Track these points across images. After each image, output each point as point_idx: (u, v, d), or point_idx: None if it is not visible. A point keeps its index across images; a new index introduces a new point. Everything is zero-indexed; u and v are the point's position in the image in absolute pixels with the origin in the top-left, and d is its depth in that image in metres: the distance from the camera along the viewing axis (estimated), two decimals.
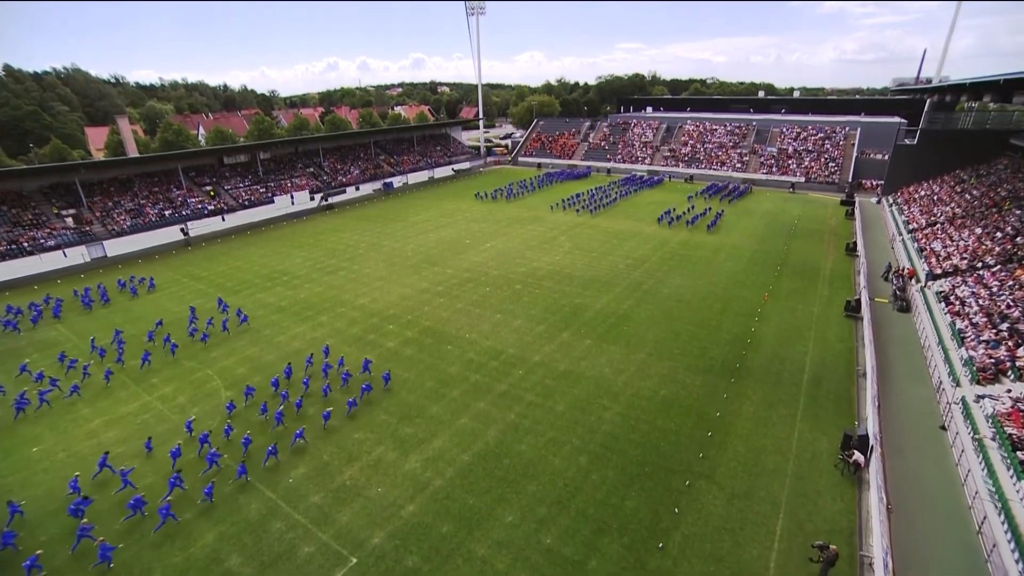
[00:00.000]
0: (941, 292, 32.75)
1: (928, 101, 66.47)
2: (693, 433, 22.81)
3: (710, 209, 61.50)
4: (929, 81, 72.29)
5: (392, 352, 30.03)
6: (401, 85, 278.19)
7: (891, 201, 61.93)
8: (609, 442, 22.23)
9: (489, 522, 18.29)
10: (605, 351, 29.72)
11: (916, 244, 43.60)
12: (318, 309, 36.24)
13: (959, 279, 33.36)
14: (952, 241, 39.99)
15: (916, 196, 57.94)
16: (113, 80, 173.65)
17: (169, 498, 19.09)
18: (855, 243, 47.08)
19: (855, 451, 19.48)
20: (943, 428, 21.92)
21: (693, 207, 63.64)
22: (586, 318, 33.82)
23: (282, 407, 24.12)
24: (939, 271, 36.21)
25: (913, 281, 37.43)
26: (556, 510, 18.80)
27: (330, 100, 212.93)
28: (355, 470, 20.95)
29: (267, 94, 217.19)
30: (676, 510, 18.66)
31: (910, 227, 49.09)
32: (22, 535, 17.91)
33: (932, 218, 47.90)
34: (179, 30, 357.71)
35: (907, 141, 68.27)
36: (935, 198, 53.60)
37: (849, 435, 20.33)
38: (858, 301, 33.82)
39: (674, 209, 60.19)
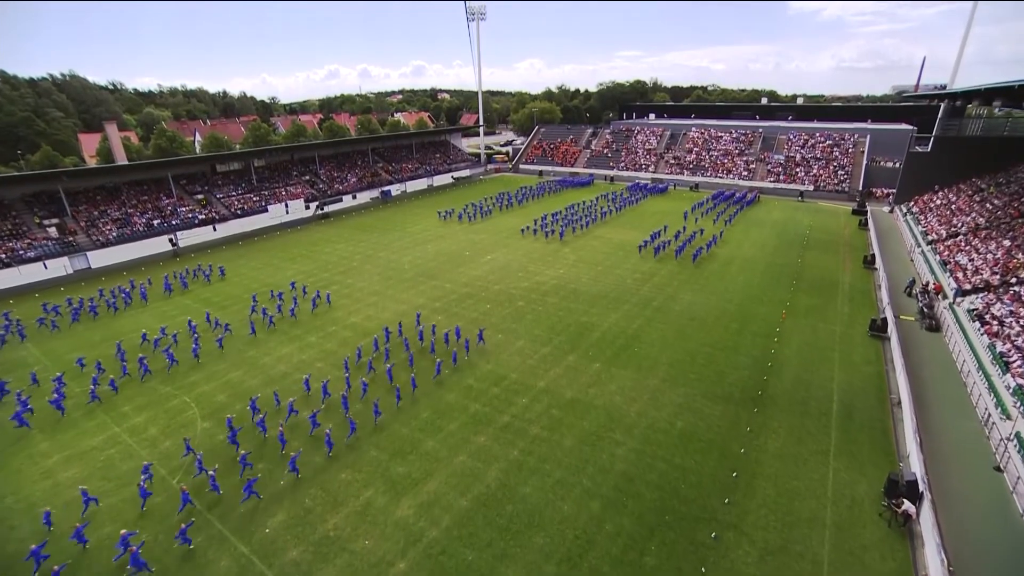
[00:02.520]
0: (974, 310, 30.56)
1: (942, 107, 64.46)
2: (716, 473, 20.55)
3: (703, 231, 53.53)
4: (944, 87, 70.47)
5: (384, 376, 27.76)
6: (402, 92, 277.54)
7: (905, 210, 59.90)
8: (624, 484, 19.96)
9: None
10: (615, 376, 27.48)
11: (938, 256, 41.47)
12: (307, 328, 34.02)
13: (993, 296, 31.18)
14: (979, 254, 37.84)
15: (932, 205, 55.93)
16: (111, 86, 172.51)
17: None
18: (873, 255, 44.96)
19: (904, 500, 17.21)
20: (998, 470, 19.67)
21: (685, 228, 54.95)
22: (593, 338, 31.61)
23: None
24: (968, 286, 34.05)
25: (940, 297, 35.25)
26: (567, 568, 16.52)
27: (330, 107, 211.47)
28: (340, 518, 18.67)
29: (267, 101, 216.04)
30: (703, 569, 16.37)
31: (929, 238, 47.00)
32: None
33: (953, 229, 45.79)
34: (181, 38, 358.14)
35: (919, 148, 66.45)
36: (953, 207, 51.56)
37: (895, 480, 18.07)
38: (884, 320, 31.63)
39: (662, 232, 52.18)
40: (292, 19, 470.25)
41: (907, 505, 17.01)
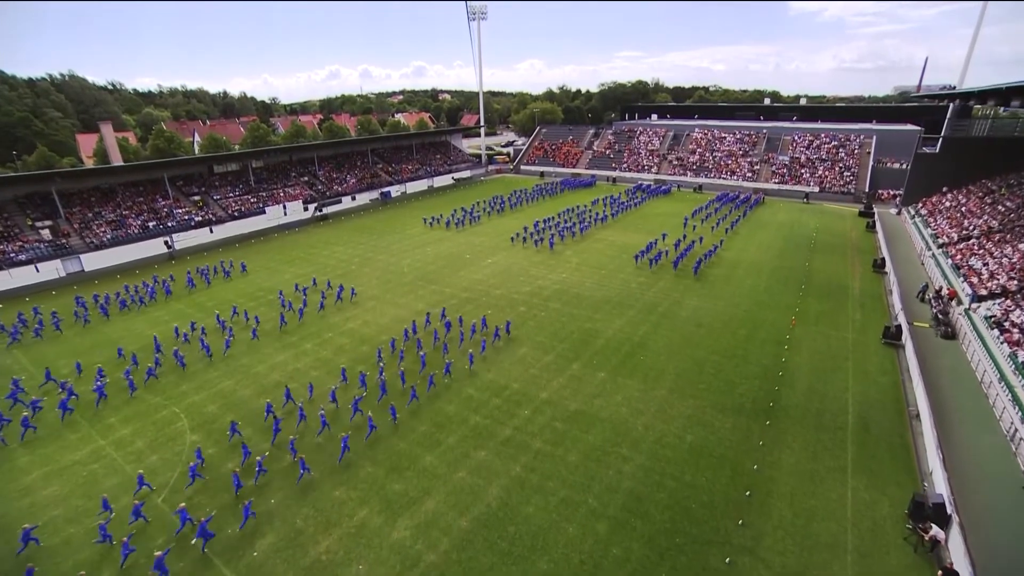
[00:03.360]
0: (992, 317, 29.51)
1: (951, 107, 63.41)
2: (728, 492, 19.52)
3: (702, 239, 50.63)
4: (952, 88, 69.42)
5: (378, 387, 26.74)
6: (402, 92, 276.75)
7: (913, 212, 58.86)
8: (632, 504, 18.94)
9: None
10: (621, 386, 26.47)
11: (950, 260, 40.41)
12: (303, 334, 33.04)
13: (1011, 302, 30.13)
14: (993, 258, 36.80)
15: (941, 207, 54.86)
16: (110, 86, 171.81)
17: None
18: (883, 259, 43.93)
19: (932, 524, 16.19)
20: None
21: (685, 236, 51.64)
22: (598, 346, 30.60)
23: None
24: (984, 292, 32.99)
25: (954, 303, 34.21)
26: None
27: (330, 107, 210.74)
28: (333, 540, 17.67)
29: (267, 101, 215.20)
30: None
31: (940, 241, 45.95)
32: None
33: (964, 232, 44.73)
34: (183, 39, 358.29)
35: (926, 149, 65.40)
36: (963, 210, 50.50)
37: (921, 502, 17.05)
38: (898, 327, 30.61)
39: (660, 240, 49.87)
40: (293, 20, 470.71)
41: (935, 530, 15.99)
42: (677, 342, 31.04)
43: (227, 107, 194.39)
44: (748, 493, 19.37)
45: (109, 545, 17.31)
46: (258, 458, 20.62)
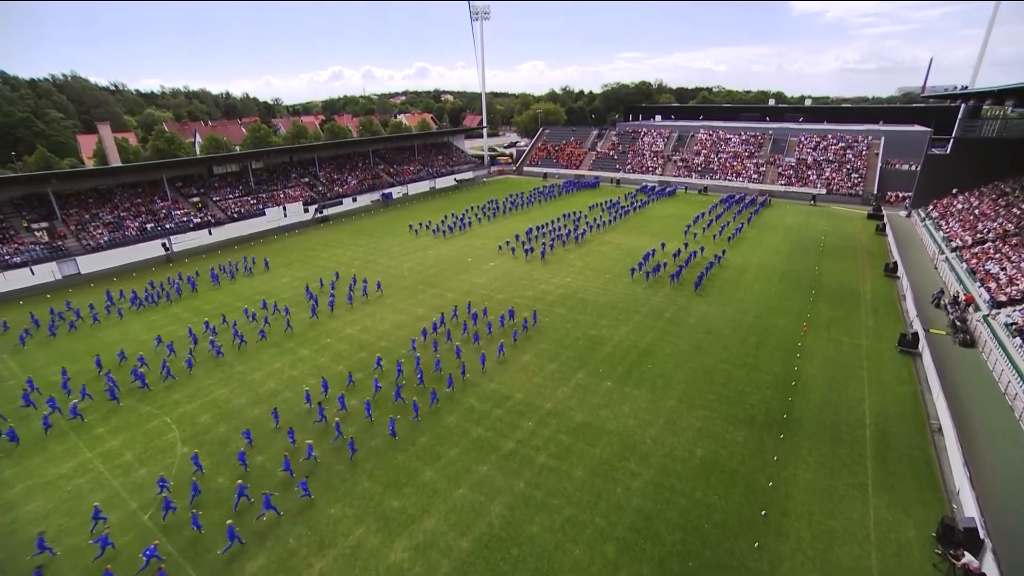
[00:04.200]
0: (1013, 324, 28.45)
1: (962, 108, 62.28)
2: (742, 510, 18.55)
3: (703, 249, 47.73)
4: (964, 88, 68.24)
5: (381, 396, 25.86)
6: (405, 93, 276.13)
7: (923, 215, 57.76)
8: (641, 523, 17.98)
9: None
10: (628, 396, 25.51)
11: (965, 265, 39.35)
12: (300, 340, 32.18)
13: None
14: (1012, 262, 35.72)
15: (952, 210, 53.75)
16: (112, 87, 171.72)
17: None
18: (895, 263, 42.86)
19: (964, 551, 15.18)
20: None
21: (687, 245, 48.65)
22: (603, 353, 29.64)
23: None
24: (1003, 298, 31.94)
25: (972, 309, 33.15)
26: None
27: (333, 108, 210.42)
28: (327, 562, 16.76)
29: (270, 102, 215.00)
30: None
31: (953, 245, 44.86)
32: None
33: (979, 235, 43.63)
34: (187, 40, 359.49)
35: (936, 150, 64.26)
36: (976, 212, 49.39)
37: (950, 525, 16.05)
38: (914, 335, 29.59)
39: (659, 249, 47.41)
40: (296, 21, 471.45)
41: (968, 558, 14.98)
42: (685, 349, 30.07)
43: (229, 108, 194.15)
44: (764, 512, 18.40)
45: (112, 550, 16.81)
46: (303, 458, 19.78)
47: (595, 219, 60.14)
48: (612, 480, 20.01)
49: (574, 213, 63.10)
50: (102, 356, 29.60)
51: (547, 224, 56.59)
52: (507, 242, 50.97)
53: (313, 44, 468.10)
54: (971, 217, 48.81)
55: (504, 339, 31.02)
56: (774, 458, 21.14)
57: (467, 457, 21.43)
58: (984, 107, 70.79)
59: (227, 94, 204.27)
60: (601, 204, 67.99)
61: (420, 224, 59.33)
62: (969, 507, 17.03)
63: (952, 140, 61.42)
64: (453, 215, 62.93)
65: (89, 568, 16.48)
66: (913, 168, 68.33)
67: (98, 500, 19.13)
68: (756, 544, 17.09)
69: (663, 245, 49.13)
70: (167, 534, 17.77)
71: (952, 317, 32.36)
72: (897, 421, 23.44)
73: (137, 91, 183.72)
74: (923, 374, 27.11)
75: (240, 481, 19.38)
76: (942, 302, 35.27)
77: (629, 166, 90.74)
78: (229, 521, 17.42)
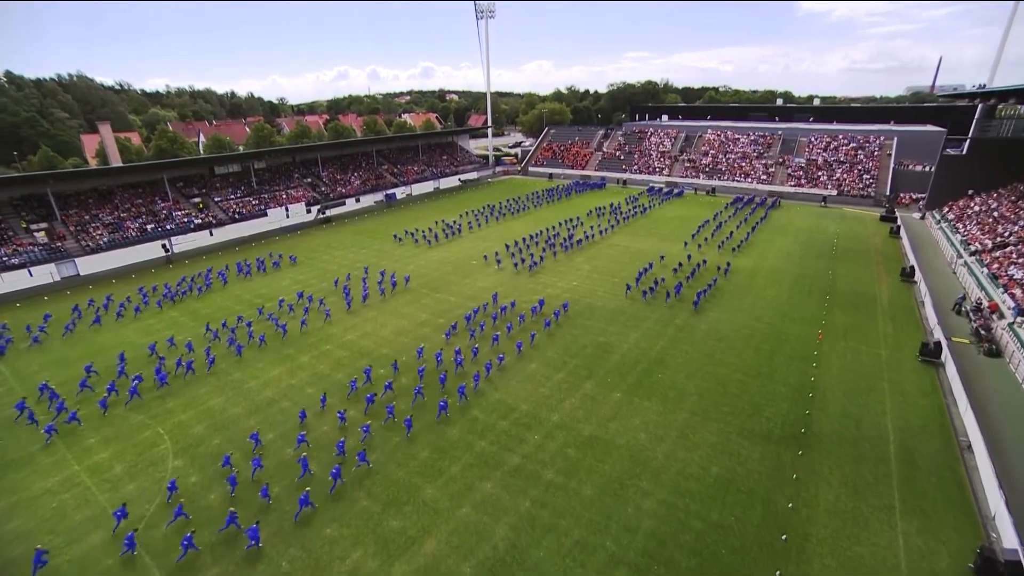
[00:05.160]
0: None
1: (979, 107, 60.78)
2: (761, 534, 17.48)
3: (705, 262, 44.27)
4: (984, 86, 66.64)
5: (379, 406, 24.90)
6: (410, 93, 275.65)
7: (939, 217, 56.30)
8: (653, 548, 16.94)
9: None
10: (638, 408, 24.46)
11: (986, 270, 38.01)
12: (299, 346, 31.29)
13: None
14: None
15: (969, 212, 52.32)
16: (118, 87, 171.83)
17: None
18: (911, 267, 41.58)
19: None
20: None
21: (690, 257, 45.40)
22: (612, 362, 28.58)
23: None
24: None
25: (996, 316, 31.87)
26: None
27: (338, 108, 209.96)
28: None
29: (275, 102, 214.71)
30: None
31: (972, 248, 43.48)
32: None
33: (999, 239, 42.25)
34: (193, 40, 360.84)
35: (951, 151, 62.74)
36: (995, 214, 47.96)
37: (990, 557, 14.94)
38: (937, 344, 28.38)
39: (657, 262, 44.27)
40: (302, 21, 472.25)
41: None
42: (697, 358, 28.97)
43: (234, 107, 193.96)
44: (784, 537, 17.33)
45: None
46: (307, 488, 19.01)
47: (592, 226, 56.57)
48: (623, 499, 18.98)
49: (571, 220, 59.08)
50: (94, 361, 28.83)
51: (541, 232, 53.18)
52: (496, 252, 47.52)
53: (319, 44, 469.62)
54: (990, 220, 47.38)
55: (523, 337, 31.17)
56: (793, 476, 20.05)
57: (470, 473, 20.44)
58: (999, 107, 69.30)
59: (232, 93, 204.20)
60: (595, 210, 63.98)
61: (409, 233, 55.34)
62: (1008, 535, 15.91)
63: (968, 140, 59.88)
64: (445, 222, 58.32)
65: None
66: (927, 169, 66.87)
67: (82, 519, 18.31)
68: (777, 573, 16.03)
69: (662, 257, 45.60)
70: (154, 556, 16.85)
71: (975, 325, 31.11)
72: (923, 437, 22.29)
73: (142, 91, 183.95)
74: (947, 385, 25.93)
75: (232, 509, 18.27)
76: (963, 309, 34.00)
77: (636, 166, 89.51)
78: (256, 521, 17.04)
